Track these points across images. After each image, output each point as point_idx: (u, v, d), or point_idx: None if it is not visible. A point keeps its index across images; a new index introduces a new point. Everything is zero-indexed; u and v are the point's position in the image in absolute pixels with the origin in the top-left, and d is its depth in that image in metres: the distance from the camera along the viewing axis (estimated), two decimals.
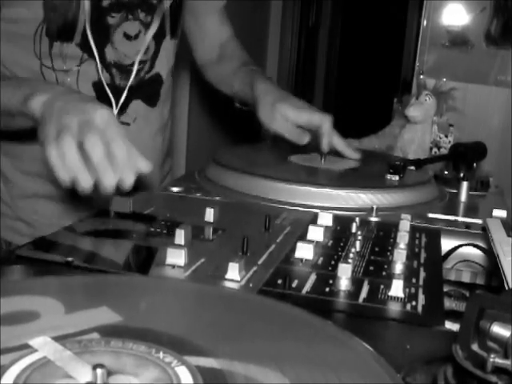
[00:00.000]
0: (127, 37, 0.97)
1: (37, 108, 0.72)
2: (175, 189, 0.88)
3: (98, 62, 0.95)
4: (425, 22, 2.27)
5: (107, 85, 0.97)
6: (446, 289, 0.65)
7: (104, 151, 0.67)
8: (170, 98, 1.15)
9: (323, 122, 1.05)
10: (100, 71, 0.96)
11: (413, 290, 0.57)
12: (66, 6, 0.90)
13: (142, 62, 1.01)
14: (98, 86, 0.97)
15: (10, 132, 0.90)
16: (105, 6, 0.94)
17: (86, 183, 0.67)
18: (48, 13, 0.90)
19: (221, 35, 1.23)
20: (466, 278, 0.76)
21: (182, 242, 0.64)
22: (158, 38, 1.02)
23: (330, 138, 1.05)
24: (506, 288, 0.54)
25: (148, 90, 1.05)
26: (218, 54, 1.23)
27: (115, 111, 0.98)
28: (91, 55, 0.95)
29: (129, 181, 0.68)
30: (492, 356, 0.36)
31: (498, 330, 0.37)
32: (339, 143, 1.06)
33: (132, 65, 0.99)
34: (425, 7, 2.27)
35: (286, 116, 1.06)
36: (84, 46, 0.94)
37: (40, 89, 0.75)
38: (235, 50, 1.24)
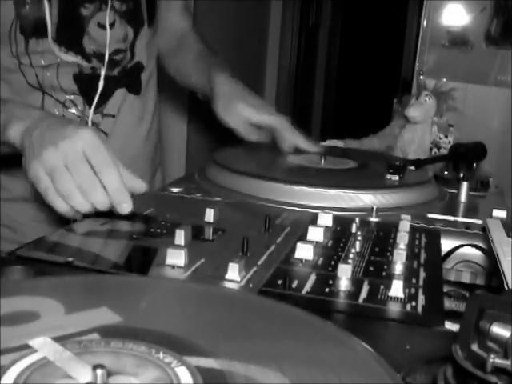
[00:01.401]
0: (102, 27, 0.96)
1: (16, 137, 0.72)
2: (175, 189, 0.88)
3: (78, 54, 0.94)
4: (425, 22, 2.27)
5: (88, 75, 0.96)
6: (445, 289, 0.65)
7: (102, 192, 0.67)
8: (155, 87, 1.14)
9: (278, 126, 1.08)
10: (80, 63, 0.95)
11: (413, 291, 0.57)
12: (37, 1, 0.89)
13: (122, 51, 0.99)
14: (78, 78, 0.96)
15: None
16: None
17: (84, 208, 0.69)
18: (19, 10, 0.88)
19: (179, 25, 1.23)
20: (465, 278, 0.76)
21: (182, 243, 0.64)
22: (136, 26, 1.01)
23: (290, 141, 1.08)
24: (506, 288, 0.54)
25: (131, 79, 1.04)
26: (177, 46, 1.23)
27: (93, 104, 0.97)
28: (69, 48, 0.93)
29: (127, 206, 0.69)
30: (492, 356, 0.36)
31: (497, 330, 0.37)
32: (300, 142, 1.09)
33: (113, 54, 0.98)
34: (425, 7, 2.28)
35: (241, 113, 1.08)
36: (60, 39, 0.92)
37: (16, 115, 0.74)
38: (194, 41, 1.23)
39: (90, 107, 0.98)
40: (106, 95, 0.99)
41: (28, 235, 0.73)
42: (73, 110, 0.97)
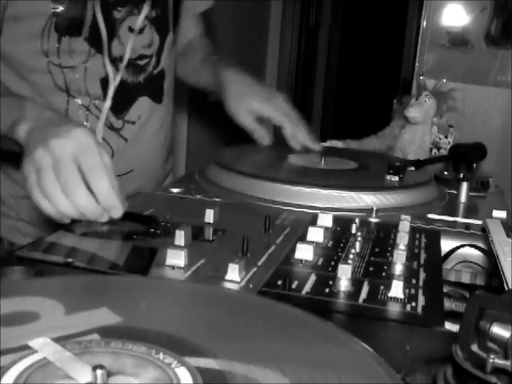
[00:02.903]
0: (132, 31, 0.96)
1: (22, 136, 0.71)
2: (175, 189, 0.88)
3: (106, 57, 0.94)
4: (425, 23, 2.27)
5: (115, 81, 0.96)
6: (445, 289, 0.65)
7: (86, 193, 0.65)
8: (173, 95, 1.15)
9: (282, 123, 1.08)
10: (106, 67, 0.95)
11: (413, 291, 0.57)
12: (74, 0, 0.90)
13: (148, 57, 1.00)
14: (105, 84, 0.96)
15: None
16: (111, 0, 0.93)
17: (68, 211, 0.66)
18: (57, 7, 0.89)
19: (190, 34, 1.23)
20: (465, 278, 0.76)
21: (182, 243, 0.64)
22: (163, 33, 1.02)
23: (296, 138, 1.09)
24: (506, 288, 0.54)
25: (154, 87, 1.04)
26: (185, 49, 1.24)
27: (110, 111, 0.97)
28: (99, 50, 0.94)
29: (117, 211, 0.67)
30: (492, 357, 0.36)
31: (497, 330, 0.37)
32: (305, 139, 1.10)
33: (138, 59, 0.98)
34: (425, 8, 2.27)
35: (251, 109, 1.08)
36: (92, 40, 0.93)
37: (27, 114, 0.73)
38: (201, 45, 1.24)
39: (113, 113, 0.98)
40: (128, 102, 1.00)
41: (47, 230, 0.72)
42: (97, 113, 0.97)
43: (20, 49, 0.92)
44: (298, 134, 1.09)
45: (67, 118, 0.92)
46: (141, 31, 0.98)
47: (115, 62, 0.96)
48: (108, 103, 0.96)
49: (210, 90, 1.22)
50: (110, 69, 0.95)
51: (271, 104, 1.10)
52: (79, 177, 0.65)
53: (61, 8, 0.89)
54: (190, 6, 1.17)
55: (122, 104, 0.99)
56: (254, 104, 1.09)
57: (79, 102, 0.96)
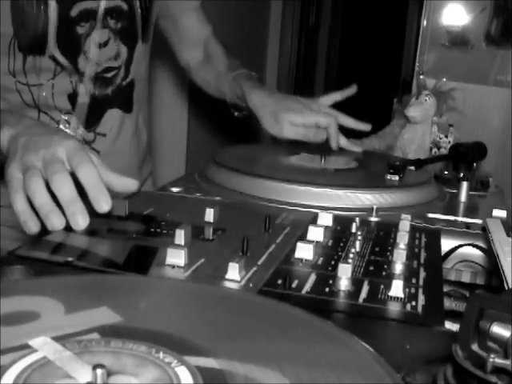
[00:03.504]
0: (98, 45, 0.96)
1: (4, 142, 0.71)
2: (175, 189, 0.88)
3: (72, 74, 0.95)
4: (425, 22, 2.27)
5: (83, 95, 0.97)
6: (445, 289, 0.65)
7: (72, 189, 0.64)
8: (146, 102, 1.14)
9: (329, 123, 1.08)
10: (74, 83, 0.95)
11: (413, 290, 0.57)
12: (35, 19, 0.89)
13: (115, 69, 1.00)
14: (73, 99, 0.97)
15: None
16: (73, 16, 0.93)
17: (57, 225, 0.64)
18: (17, 27, 0.89)
19: (201, 34, 1.22)
20: (465, 278, 0.76)
21: (182, 242, 0.64)
22: (130, 43, 1.01)
23: (337, 138, 1.10)
24: (506, 288, 0.54)
25: (123, 98, 1.04)
26: (203, 55, 1.23)
27: (80, 125, 0.97)
28: (64, 67, 0.94)
29: (105, 205, 0.66)
30: (492, 356, 0.36)
31: (497, 330, 0.37)
32: (343, 141, 1.12)
33: (104, 72, 0.98)
34: (425, 7, 2.27)
35: (293, 123, 1.07)
36: (56, 58, 0.93)
37: (8, 122, 0.73)
38: (220, 53, 1.24)
39: (84, 127, 0.99)
40: (98, 114, 1.00)
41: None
42: (67, 130, 0.98)
43: None
44: (340, 136, 1.10)
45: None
46: (105, 44, 0.97)
47: (82, 76, 0.96)
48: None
49: (234, 104, 1.21)
50: (79, 86, 0.96)
51: (308, 110, 1.10)
52: (65, 170, 0.65)
53: (21, 27, 0.89)
54: (184, 4, 1.17)
55: (92, 117, 0.99)
56: (294, 117, 1.08)
57: (49, 116, 0.97)
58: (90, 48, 0.95)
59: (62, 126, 0.97)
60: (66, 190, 0.64)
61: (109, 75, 0.98)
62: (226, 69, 1.20)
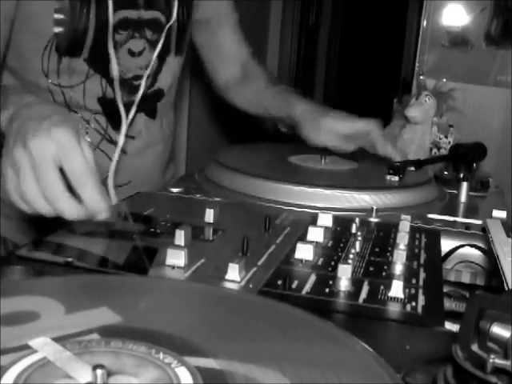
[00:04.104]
0: (131, 53, 0.98)
1: (3, 124, 0.70)
2: (175, 189, 0.88)
3: (103, 78, 0.96)
4: (425, 23, 2.27)
5: (111, 100, 0.98)
6: (445, 289, 0.65)
7: (62, 190, 0.62)
8: (172, 110, 1.15)
9: (371, 128, 1.07)
10: (104, 87, 0.97)
11: (413, 291, 0.57)
12: (77, 22, 0.90)
13: (142, 77, 1.01)
14: (103, 101, 0.98)
15: None
16: (112, 23, 0.94)
17: (49, 213, 0.63)
18: (58, 29, 0.90)
19: (241, 55, 1.22)
20: (465, 278, 0.76)
21: (182, 243, 0.64)
22: (162, 54, 1.02)
23: (381, 142, 1.07)
24: (506, 288, 0.54)
25: (149, 105, 1.06)
26: (242, 74, 1.23)
27: (123, 127, 0.98)
28: (97, 70, 0.96)
29: (104, 215, 0.63)
30: (492, 356, 0.36)
31: (497, 330, 0.37)
32: (388, 149, 1.08)
33: (133, 79, 0.99)
34: (425, 7, 2.27)
35: (331, 128, 1.07)
36: (91, 61, 0.94)
37: (9, 101, 0.73)
38: (259, 70, 1.23)
39: (112, 127, 1.01)
40: (127, 118, 1.01)
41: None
42: (97, 127, 1.00)
43: (23, 66, 0.93)
44: (386, 142, 1.08)
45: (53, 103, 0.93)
46: (139, 53, 0.99)
47: (112, 82, 0.97)
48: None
49: (279, 120, 1.20)
50: (108, 90, 0.97)
51: (349, 119, 1.09)
52: (60, 181, 0.62)
53: (62, 29, 0.90)
54: (222, 19, 1.17)
55: (119, 120, 1.00)
56: (333, 122, 1.08)
57: (79, 115, 0.98)
58: (123, 55, 0.97)
59: (92, 125, 0.99)
60: (62, 200, 0.62)
61: (136, 83, 1.00)
62: (267, 84, 1.20)
